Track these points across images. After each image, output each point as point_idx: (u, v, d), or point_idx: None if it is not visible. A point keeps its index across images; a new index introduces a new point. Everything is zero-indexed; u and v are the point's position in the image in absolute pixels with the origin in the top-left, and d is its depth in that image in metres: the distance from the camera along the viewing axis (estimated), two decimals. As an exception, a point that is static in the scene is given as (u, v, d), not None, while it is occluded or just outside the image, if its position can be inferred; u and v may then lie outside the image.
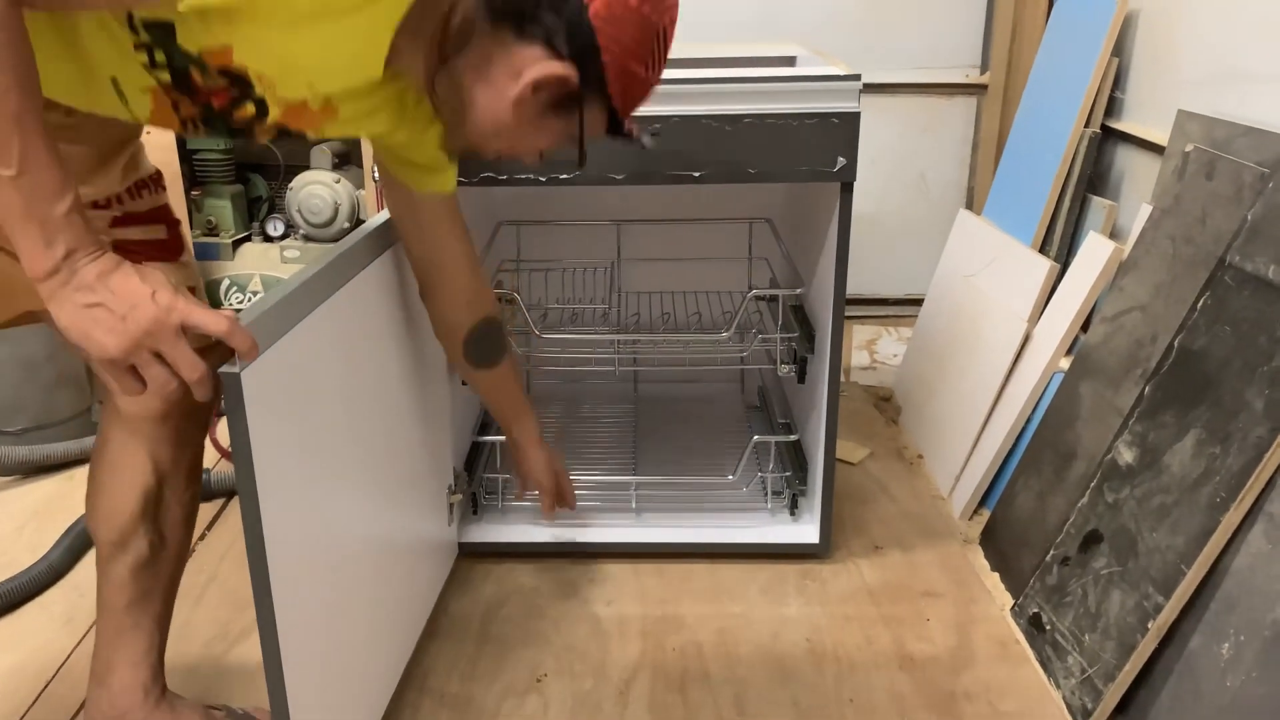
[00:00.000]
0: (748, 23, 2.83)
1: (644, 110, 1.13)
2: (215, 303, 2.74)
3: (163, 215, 1.25)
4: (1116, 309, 1.71)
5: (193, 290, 1.26)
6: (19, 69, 0.83)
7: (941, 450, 2.15)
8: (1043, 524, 1.70)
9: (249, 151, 2.86)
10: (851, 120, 1.54)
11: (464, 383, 1.81)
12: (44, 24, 0.94)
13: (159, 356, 0.90)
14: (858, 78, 1.53)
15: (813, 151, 1.56)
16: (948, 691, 1.51)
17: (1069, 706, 1.45)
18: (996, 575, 1.79)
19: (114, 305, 0.87)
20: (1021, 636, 1.61)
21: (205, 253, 2.76)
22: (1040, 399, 1.87)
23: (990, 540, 1.87)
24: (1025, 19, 2.64)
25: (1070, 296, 1.88)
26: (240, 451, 0.96)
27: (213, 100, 1.02)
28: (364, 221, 2.56)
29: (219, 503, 2.05)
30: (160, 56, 0.97)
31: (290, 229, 2.82)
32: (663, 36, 1.06)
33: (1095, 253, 1.86)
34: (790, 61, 2.07)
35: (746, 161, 1.57)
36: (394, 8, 0.94)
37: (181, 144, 2.66)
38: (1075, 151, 2.10)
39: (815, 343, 1.78)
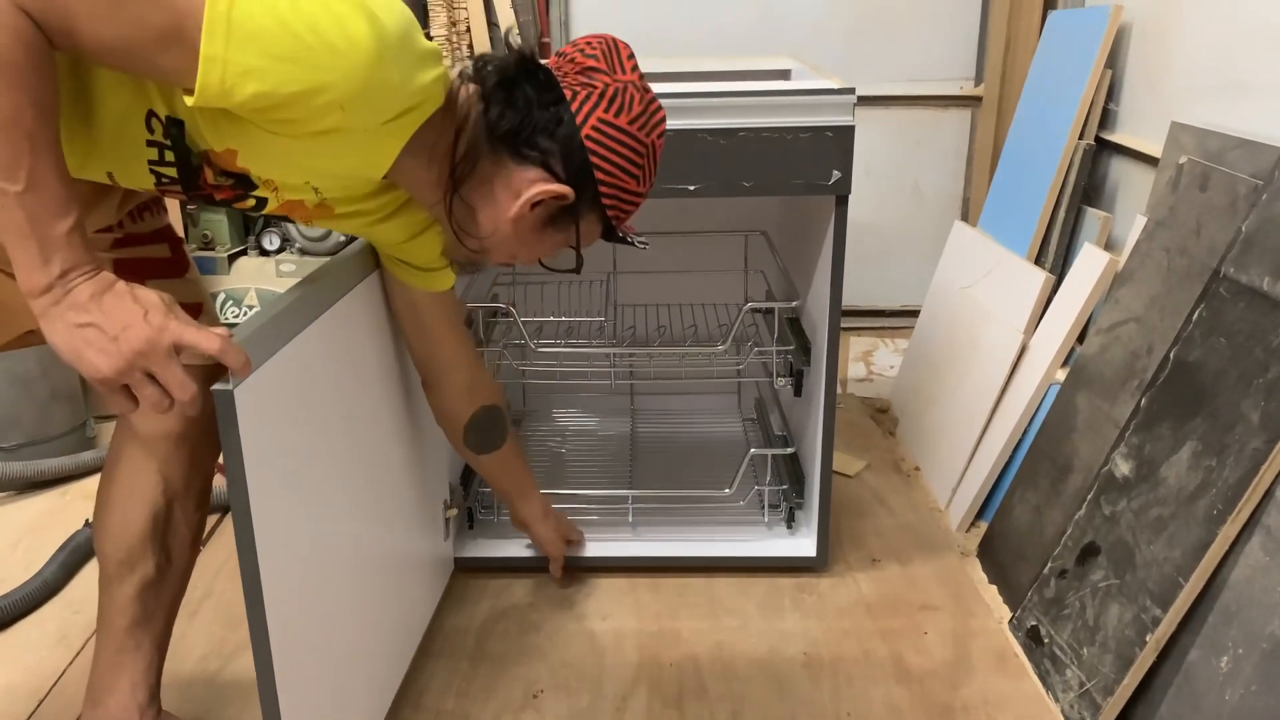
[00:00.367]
0: (741, 35, 2.83)
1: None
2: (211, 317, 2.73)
3: (165, 235, 1.26)
4: (1112, 320, 1.71)
5: (200, 307, 1.28)
6: (38, 91, 0.84)
7: (938, 462, 2.15)
8: (1040, 536, 1.70)
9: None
10: (846, 134, 1.54)
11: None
12: (64, 104, 0.95)
13: (152, 376, 0.90)
14: (852, 91, 1.53)
15: (808, 165, 1.56)
16: (946, 705, 1.50)
17: (1068, 720, 1.44)
18: (994, 588, 1.79)
19: (106, 326, 0.87)
20: (1020, 649, 1.60)
21: (201, 267, 2.75)
22: (1037, 411, 1.87)
23: (988, 553, 1.86)
24: (1019, 31, 2.65)
25: (1066, 308, 1.88)
26: (234, 467, 0.96)
27: (215, 194, 1.08)
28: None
29: (214, 518, 2.05)
30: (170, 155, 1.02)
31: (286, 243, 2.82)
32: (653, 152, 1.15)
33: (1090, 264, 1.86)
34: (785, 75, 2.08)
35: (742, 175, 1.57)
36: (399, 132, 1.01)
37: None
38: (1070, 163, 2.10)
39: (811, 355, 1.78)
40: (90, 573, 1.86)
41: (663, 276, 2.26)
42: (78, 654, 1.64)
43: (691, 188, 1.57)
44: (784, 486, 1.90)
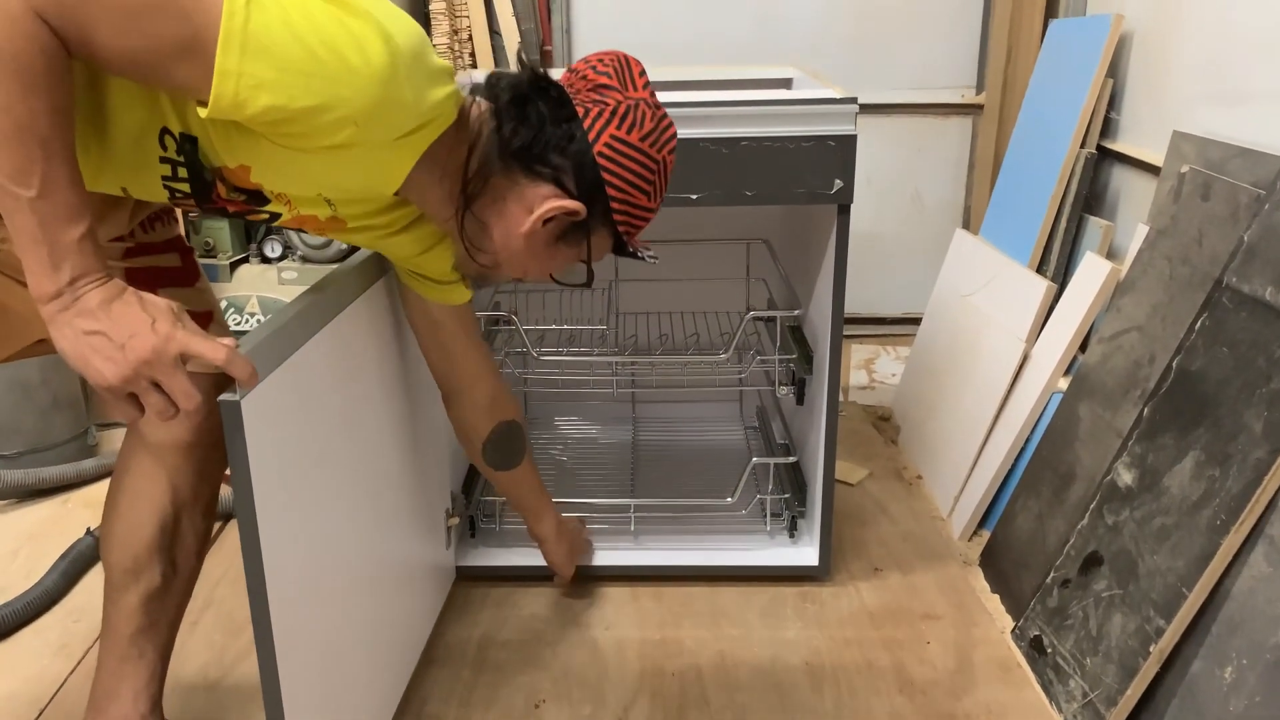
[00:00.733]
0: (743, 44, 2.84)
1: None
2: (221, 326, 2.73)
3: (176, 244, 1.27)
4: (1114, 329, 1.71)
5: (210, 315, 1.28)
6: (54, 98, 0.84)
7: (941, 470, 2.15)
8: (1043, 545, 1.70)
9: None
10: (848, 143, 1.55)
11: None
12: (80, 119, 0.96)
13: (157, 384, 0.90)
14: (854, 100, 1.54)
15: (810, 174, 1.56)
16: (948, 715, 1.50)
17: (1071, 730, 1.44)
18: (997, 597, 1.78)
19: (113, 333, 0.88)
20: (1023, 659, 1.60)
21: (202, 274, 2.76)
22: (1039, 419, 1.87)
23: (990, 562, 1.86)
24: (1020, 40, 2.66)
25: (1068, 316, 1.88)
26: (240, 477, 0.96)
27: (228, 207, 1.09)
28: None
29: (214, 527, 2.04)
30: (183, 172, 1.03)
31: (288, 250, 2.82)
32: (664, 168, 1.16)
33: (1092, 273, 1.87)
34: (786, 83, 2.08)
35: (744, 184, 1.57)
36: (412, 148, 1.02)
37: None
38: (1071, 172, 2.11)
39: (813, 363, 1.78)
40: (91, 581, 1.86)
41: (665, 285, 2.26)
42: (79, 662, 1.64)
43: (694, 197, 1.57)
44: (786, 495, 1.90)
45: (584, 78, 1.15)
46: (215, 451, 1.25)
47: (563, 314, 2.26)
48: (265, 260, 2.81)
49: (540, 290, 2.26)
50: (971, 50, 2.84)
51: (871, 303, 3.03)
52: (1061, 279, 2.07)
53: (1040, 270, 2.13)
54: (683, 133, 1.53)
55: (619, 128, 1.11)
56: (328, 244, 2.74)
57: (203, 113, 0.89)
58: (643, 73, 1.16)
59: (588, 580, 1.83)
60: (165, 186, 1.05)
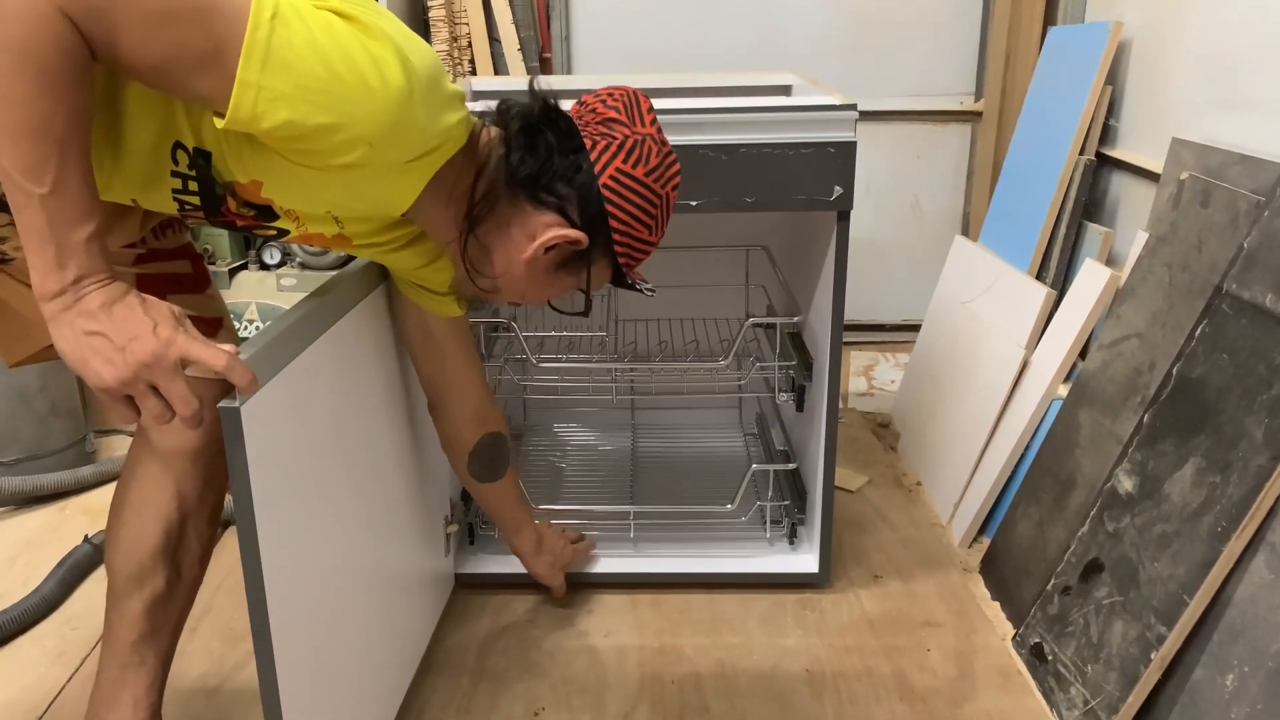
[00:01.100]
0: (742, 51, 2.84)
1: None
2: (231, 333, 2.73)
3: (187, 251, 1.28)
4: (1114, 336, 1.71)
5: (221, 322, 1.29)
6: (73, 98, 0.85)
7: (940, 477, 2.15)
8: (1043, 552, 1.69)
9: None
10: (848, 149, 1.55)
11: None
12: (95, 130, 0.97)
13: (155, 389, 0.90)
14: (854, 107, 1.54)
15: (809, 181, 1.56)
16: (950, 723, 1.49)
17: (1072, 738, 1.44)
18: (997, 604, 1.78)
19: (114, 335, 0.88)
20: (1023, 667, 1.60)
21: (201, 281, 2.75)
22: (1039, 426, 1.87)
23: (990, 569, 1.86)
24: (1019, 46, 2.66)
25: (1067, 323, 1.88)
26: (239, 484, 0.96)
27: (236, 221, 1.10)
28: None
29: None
30: (194, 185, 1.04)
31: (287, 257, 2.82)
32: (666, 203, 1.18)
33: (1092, 280, 1.87)
34: (785, 90, 2.09)
35: (744, 190, 1.57)
36: (422, 170, 1.04)
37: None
38: (1070, 179, 2.11)
39: (813, 370, 1.78)
40: (89, 589, 1.85)
41: (664, 291, 2.24)
42: (76, 670, 1.63)
43: (694, 203, 1.57)
44: (786, 502, 1.89)
45: (593, 110, 1.17)
46: (223, 458, 1.24)
47: (562, 321, 2.26)
48: (264, 267, 2.81)
49: (539, 297, 2.26)
50: (970, 57, 2.85)
51: (871, 310, 3.03)
52: (1061, 286, 2.07)
53: (1040, 277, 2.13)
54: (682, 139, 1.54)
55: (624, 161, 1.13)
56: (326, 251, 2.74)
57: (219, 124, 0.90)
58: (651, 109, 1.18)
59: (586, 588, 1.83)
60: (175, 199, 1.06)
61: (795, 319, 1.89)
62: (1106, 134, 2.17)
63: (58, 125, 0.84)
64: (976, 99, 2.86)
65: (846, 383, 2.80)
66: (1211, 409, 1.37)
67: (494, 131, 1.14)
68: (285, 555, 1.05)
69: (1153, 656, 1.32)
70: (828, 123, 1.54)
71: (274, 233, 1.13)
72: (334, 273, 1.29)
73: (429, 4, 2.72)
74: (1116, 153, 2.14)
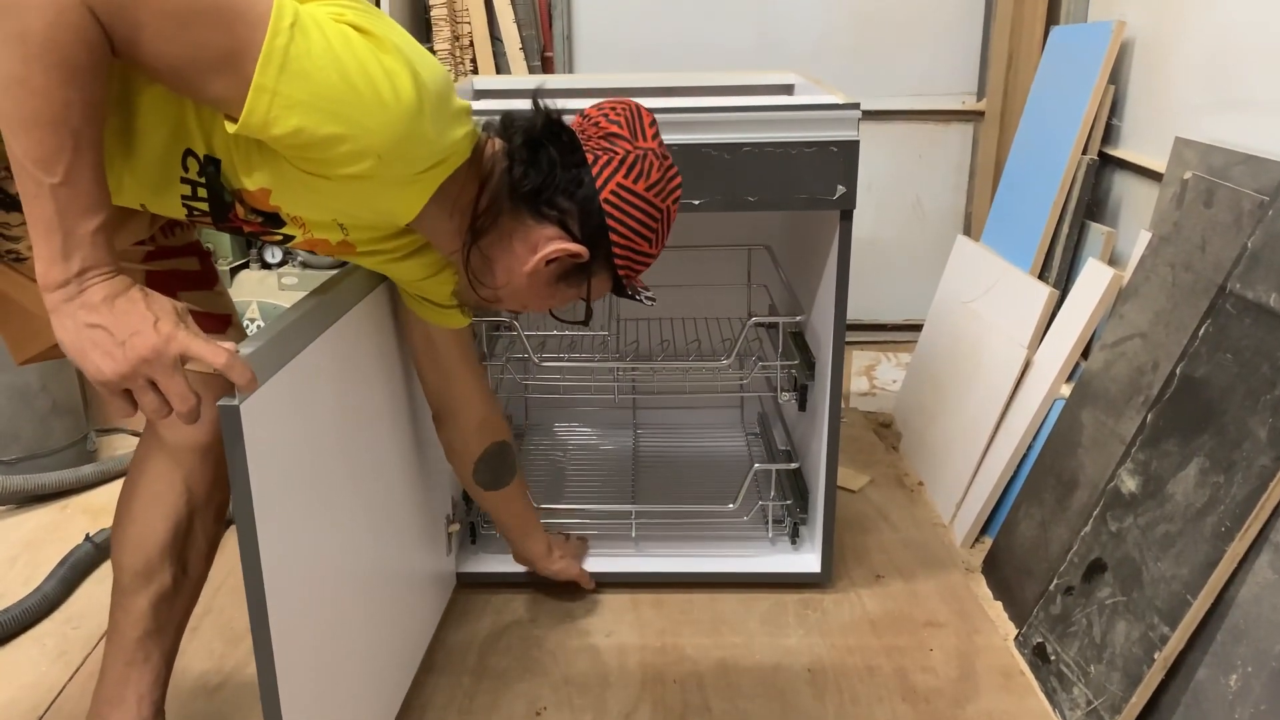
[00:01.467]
0: (744, 51, 2.84)
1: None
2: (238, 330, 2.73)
3: (195, 249, 1.29)
4: (1117, 336, 1.71)
5: (229, 319, 1.30)
6: (90, 91, 0.85)
7: (942, 477, 2.14)
8: (1045, 552, 1.69)
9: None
10: (851, 148, 1.54)
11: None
12: (107, 133, 0.97)
13: (154, 384, 0.90)
14: (857, 106, 1.54)
15: (812, 180, 1.56)
16: (952, 724, 1.49)
17: (1075, 739, 1.43)
18: (999, 604, 1.78)
19: (115, 329, 0.88)
20: (1026, 667, 1.59)
21: (202, 280, 2.75)
22: (1041, 426, 1.87)
23: (992, 569, 1.85)
24: (1021, 46, 2.66)
25: (1070, 323, 1.88)
26: (239, 483, 0.96)
27: (244, 227, 1.11)
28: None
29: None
30: (203, 192, 1.05)
31: (288, 256, 2.82)
32: (667, 216, 1.19)
33: (1095, 279, 1.86)
34: (788, 89, 2.08)
35: (746, 189, 1.57)
36: (428, 182, 1.05)
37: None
38: (1073, 178, 2.10)
39: (815, 370, 1.77)
40: (90, 588, 1.85)
41: (666, 291, 2.25)
42: (77, 670, 1.63)
43: (696, 202, 1.57)
44: (788, 502, 1.89)
45: (595, 124, 1.18)
46: None
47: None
48: (265, 266, 2.81)
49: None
50: (973, 57, 2.84)
51: (873, 309, 3.03)
52: (1063, 286, 2.07)
53: (1042, 277, 2.13)
54: (684, 138, 1.54)
55: (626, 176, 1.14)
56: (328, 250, 2.74)
57: (231, 128, 0.91)
58: (653, 123, 1.19)
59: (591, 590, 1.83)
60: (184, 205, 1.07)
61: (797, 318, 1.89)
62: (1109, 133, 2.16)
63: (74, 117, 0.84)
64: (979, 98, 2.86)
65: (848, 382, 2.80)
66: (1215, 409, 1.36)
67: (498, 144, 1.15)
68: (285, 554, 1.04)
69: (1156, 657, 1.31)
70: (830, 122, 1.54)
71: (279, 238, 1.14)
72: (335, 272, 1.29)
73: (430, 3, 2.71)
74: (1119, 152, 2.13)
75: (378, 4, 2.29)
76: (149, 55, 0.87)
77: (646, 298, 1.25)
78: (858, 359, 2.95)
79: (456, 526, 1.77)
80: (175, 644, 1.29)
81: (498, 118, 1.18)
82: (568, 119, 1.18)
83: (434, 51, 2.66)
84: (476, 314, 1.44)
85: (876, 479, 2.24)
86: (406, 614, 1.53)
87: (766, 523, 1.92)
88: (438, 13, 2.72)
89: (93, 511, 2.11)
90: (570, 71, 2.85)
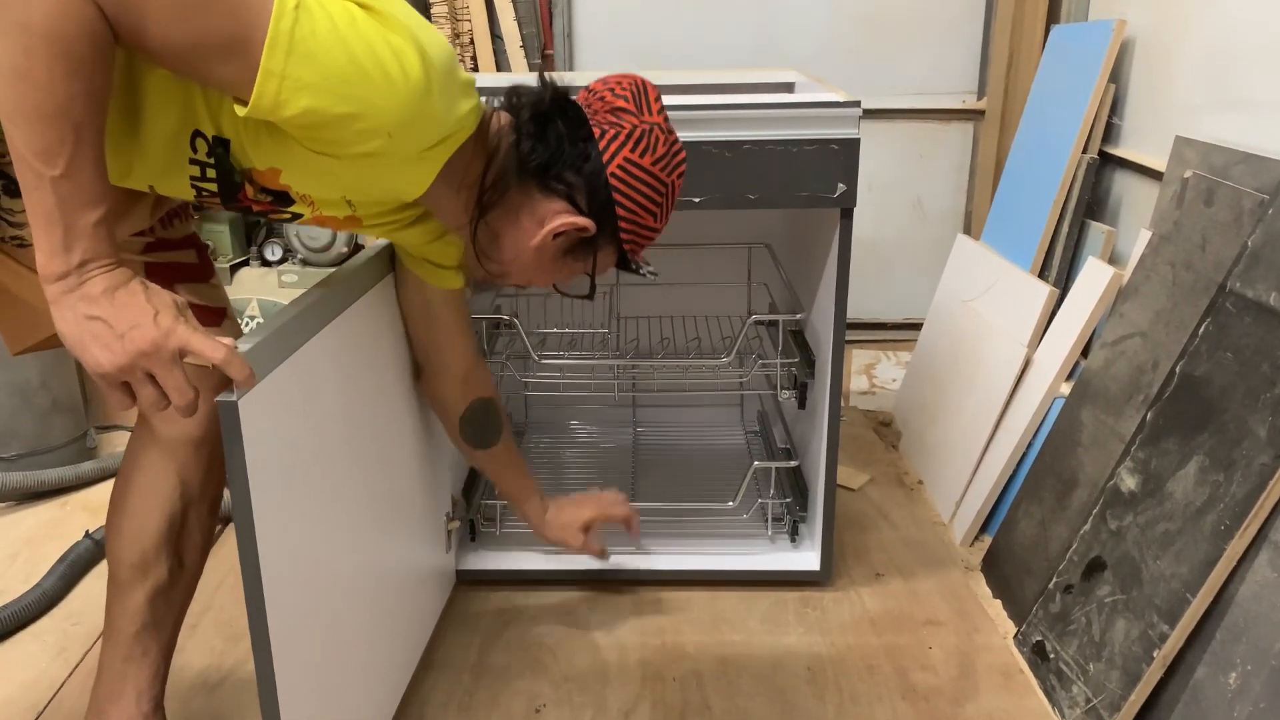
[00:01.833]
0: (745, 49, 2.84)
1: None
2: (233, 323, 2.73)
3: (192, 241, 1.29)
4: (1117, 335, 1.71)
5: (224, 312, 1.30)
6: (93, 84, 0.85)
7: (942, 476, 2.14)
8: (1045, 551, 1.69)
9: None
10: (851, 146, 1.54)
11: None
12: (114, 115, 0.98)
13: (152, 377, 0.90)
14: (857, 104, 1.53)
15: (813, 177, 1.56)
16: (951, 722, 1.49)
17: (1074, 737, 1.43)
18: (999, 603, 1.78)
19: (114, 322, 0.88)
20: (1025, 665, 1.59)
21: (202, 278, 2.75)
22: (1041, 425, 1.87)
23: (992, 567, 1.85)
24: (1022, 45, 2.66)
25: (1070, 322, 1.88)
26: (237, 479, 0.96)
27: (253, 207, 1.11)
28: (362, 247, 2.56)
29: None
30: (212, 173, 1.05)
31: (288, 254, 2.82)
32: (672, 190, 1.20)
33: (1095, 278, 1.86)
34: (788, 88, 2.08)
35: (747, 187, 1.57)
36: (436, 158, 1.05)
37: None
38: (1073, 177, 2.10)
39: (815, 368, 1.77)
40: (90, 585, 1.85)
41: (666, 289, 2.26)
42: (76, 666, 1.63)
43: (696, 200, 1.57)
44: (788, 500, 1.89)
45: (601, 99, 1.18)
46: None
47: (564, 318, 2.26)
48: (265, 263, 2.81)
49: (542, 294, 2.26)
50: (973, 56, 2.84)
51: (873, 308, 3.03)
52: (1064, 284, 2.07)
53: (1042, 276, 2.13)
54: (685, 136, 1.53)
55: (632, 151, 1.15)
56: (328, 247, 2.74)
57: (241, 111, 0.91)
58: (658, 98, 1.20)
59: (588, 585, 1.83)
60: (193, 186, 1.07)
61: (797, 316, 1.89)
62: (1109, 132, 2.16)
63: (76, 109, 0.84)
64: (979, 97, 2.86)
65: (848, 381, 2.80)
66: (1215, 407, 1.36)
67: (504, 118, 1.15)
68: (284, 551, 1.04)
69: (1155, 655, 1.32)
70: (831, 120, 1.54)
71: (288, 216, 1.14)
72: (336, 268, 1.29)
73: (431, 0, 2.71)
74: (1120, 151, 2.13)
75: None
76: (155, 42, 0.87)
77: (649, 271, 1.26)
78: (858, 357, 2.95)
79: (456, 523, 1.77)
80: (173, 638, 1.29)
81: (503, 93, 1.18)
82: (573, 95, 1.19)
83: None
84: (479, 287, 1.44)
85: (876, 477, 2.24)
86: (406, 611, 1.53)
87: (766, 520, 1.92)
88: (438, 10, 2.72)
89: (92, 508, 2.11)
90: (571, 69, 2.85)
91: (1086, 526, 1.54)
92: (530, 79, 1.19)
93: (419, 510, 1.58)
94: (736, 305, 2.31)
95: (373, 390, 1.34)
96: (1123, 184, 2.15)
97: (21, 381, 2.19)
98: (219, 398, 0.93)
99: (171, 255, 1.25)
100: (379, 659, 1.40)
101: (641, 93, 1.19)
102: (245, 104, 0.90)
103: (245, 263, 2.82)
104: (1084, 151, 2.10)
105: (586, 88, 1.21)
